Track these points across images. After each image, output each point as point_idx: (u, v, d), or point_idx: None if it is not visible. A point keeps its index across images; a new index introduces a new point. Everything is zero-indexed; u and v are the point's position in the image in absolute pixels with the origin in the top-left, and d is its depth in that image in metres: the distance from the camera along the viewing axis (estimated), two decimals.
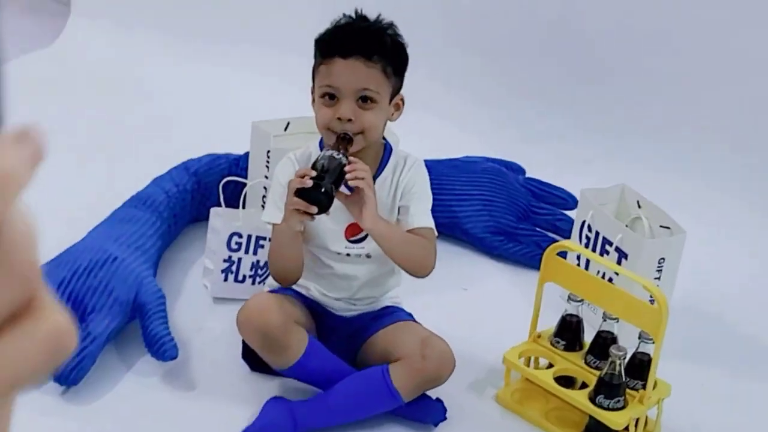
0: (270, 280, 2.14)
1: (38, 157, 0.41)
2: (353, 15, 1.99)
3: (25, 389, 0.43)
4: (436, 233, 2.07)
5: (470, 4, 3.04)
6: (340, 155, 1.82)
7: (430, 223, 2.03)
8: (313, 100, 1.98)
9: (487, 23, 2.99)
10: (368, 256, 2.06)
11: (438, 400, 2.03)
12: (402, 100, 2.00)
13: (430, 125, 2.61)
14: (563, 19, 2.93)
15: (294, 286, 2.11)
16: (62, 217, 2.43)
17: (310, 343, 2.00)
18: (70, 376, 1.98)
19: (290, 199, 1.84)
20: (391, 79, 1.96)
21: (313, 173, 1.79)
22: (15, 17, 3.64)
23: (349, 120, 1.90)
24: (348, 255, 2.05)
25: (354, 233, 2.04)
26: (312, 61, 2.00)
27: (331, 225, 2.02)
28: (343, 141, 1.88)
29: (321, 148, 1.96)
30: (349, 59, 1.92)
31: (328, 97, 1.93)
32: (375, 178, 2.01)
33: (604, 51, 2.93)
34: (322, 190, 1.74)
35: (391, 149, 2.06)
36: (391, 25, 1.98)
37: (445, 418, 2.03)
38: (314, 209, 1.80)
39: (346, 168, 1.83)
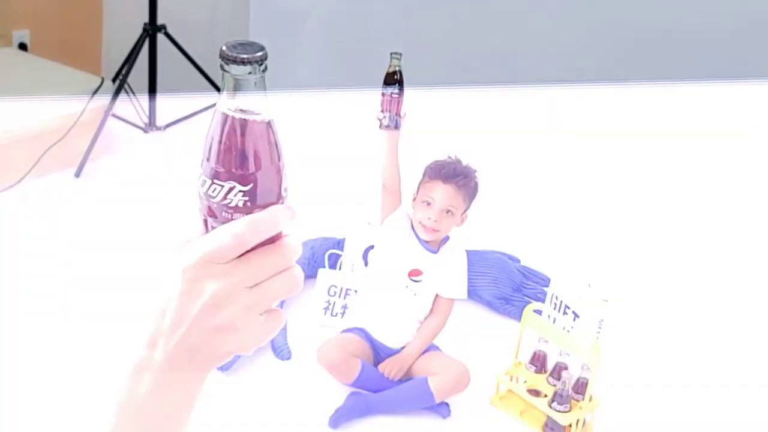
0: (348, 316, 2.73)
1: (292, 215, 0.73)
2: (452, 157, 2.57)
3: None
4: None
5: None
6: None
7: (455, 294, 2.58)
8: (414, 199, 2.53)
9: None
10: (415, 294, 2.56)
11: (446, 402, 2.56)
12: (467, 215, 2.56)
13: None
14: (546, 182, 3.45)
15: (360, 326, 2.61)
16: None
17: (362, 368, 2.54)
18: (224, 364, 2.26)
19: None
20: (466, 202, 2.53)
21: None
22: None
23: (436, 221, 2.48)
24: (406, 287, 2.54)
25: (415, 275, 2.57)
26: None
27: (401, 264, 2.55)
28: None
29: (413, 229, 2.53)
30: (447, 184, 2.49)
31: (426, 203, 2.50)
32: (440, 247, 2.56)
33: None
34: None
35: (448, 237, 2.60)
36: (474, 170, 2.56)
37: (449, 413, 2.56)
38: None
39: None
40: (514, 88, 3.50)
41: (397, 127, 2.50)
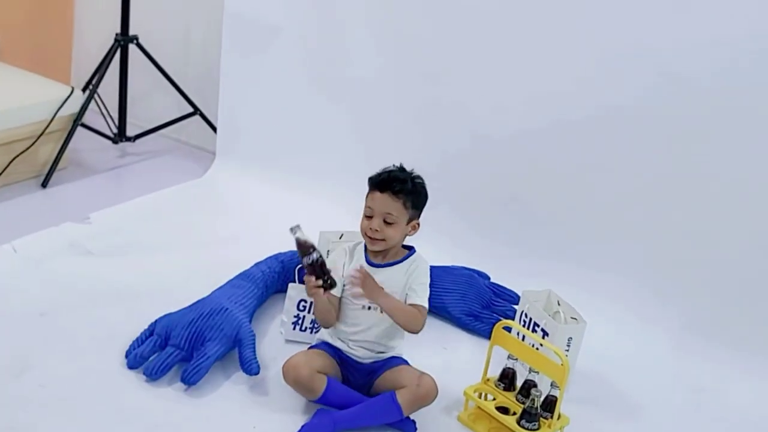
0: (319, 334, 2.67)
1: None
2: (397, 166, 2.54)
3: None
4: (427, 310, 2.51)
5: (470, 173, 3.50)
6: (315, 259, 2.41)
7: (425, 302, 2.53)
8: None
9: (477, 187, 3.51)
10: (382, 311, 2.52)
11: (413, 420, 2.52)
12: (418, 224, 2.53)
13: (438, 243, 3.10)
14: (523, 191, 3.41)
15: (330, 341, 2.59)
16: (196, 281, 2.95)
17: (328, 384, 2.50)
18: (191, 378, 2.54)
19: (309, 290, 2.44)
20: (409, 210, 2.49)
21: (320, 282, 2.41)
22: (178, 159, 4.26)
23: (377, 230, 2.47)
24: (369, 309, 2.53)
25: None
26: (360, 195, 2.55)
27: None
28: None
29: (365, 249, 2.54)
30: (383, 193, 2.48)
31: (367, 215, 2.51)
32: (396, 263, 2.52)
33: (549, 218, 3.39)
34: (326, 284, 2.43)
35: (414, 251, 2.57)
36: (418, 176, 2.53)
37: (416, 430, 2.51)
38: (320, 283, 2.41)
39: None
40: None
41: (334, 286, 2.48)
